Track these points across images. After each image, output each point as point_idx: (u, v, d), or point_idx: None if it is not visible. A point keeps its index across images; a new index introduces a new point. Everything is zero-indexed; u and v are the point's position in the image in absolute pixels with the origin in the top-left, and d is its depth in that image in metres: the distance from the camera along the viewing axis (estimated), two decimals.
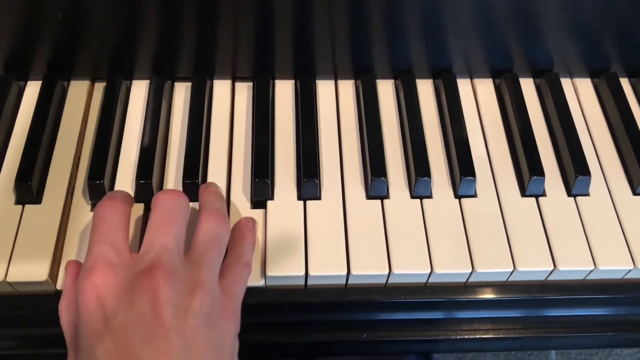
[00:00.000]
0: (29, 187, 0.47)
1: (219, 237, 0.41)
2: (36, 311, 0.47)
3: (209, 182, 0.48)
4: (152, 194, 0.48)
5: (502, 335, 0.52)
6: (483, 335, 0.52)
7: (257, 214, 0.48)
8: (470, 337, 0.52)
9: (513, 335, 0.52)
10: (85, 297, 0.36)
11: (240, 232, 0.45)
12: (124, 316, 0.35)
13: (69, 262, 0.42)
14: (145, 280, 0.35)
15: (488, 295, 0.48)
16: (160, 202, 0.40)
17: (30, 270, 0.44)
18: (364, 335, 0.50)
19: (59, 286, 0.45)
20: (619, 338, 0.54)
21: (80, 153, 0.51)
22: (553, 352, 1.35)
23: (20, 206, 0.47)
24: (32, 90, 0.54)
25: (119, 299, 0.35)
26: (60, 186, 0.49)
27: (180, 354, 0.34)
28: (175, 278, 0.36)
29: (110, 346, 0.34)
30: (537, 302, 0.50)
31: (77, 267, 0.41)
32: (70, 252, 0.45)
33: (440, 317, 0.51)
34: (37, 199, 0.48)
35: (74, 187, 0.49)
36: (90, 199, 0.48)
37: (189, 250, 0.40)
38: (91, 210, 0.48)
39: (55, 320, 0.47)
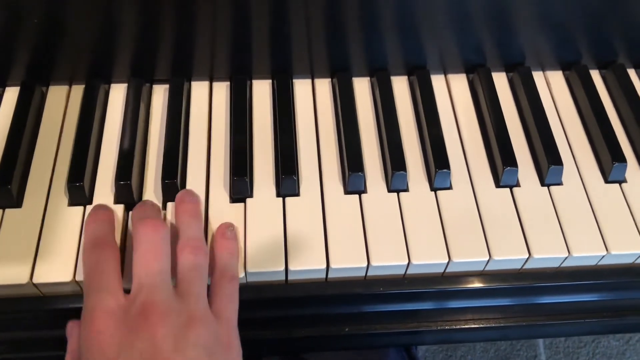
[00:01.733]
0: (8, 190, 0.47)
1: (198, 267, 0.42)
2: (18, 314, 0.47)
3: (184, 194, 0.47)
4: (132, 195, 0.48)
5: (483, 325, 0.53)
6: (464, 325, 0.53)
7: (237, 207, 0.49)
8: (452, 327, 0.53)
9: (494, 325, 0.53)
10: (88, 343, 0.38)
11: (219, 245, 0.45)
12: (126, 356, 0.36)
13: (69, 324, 0.44)
14: (143, 322, 0.37)
15: (466, 285, 0.49)
16: (141, 235, 0.41)
17: (11, 273, 0.44)
18: (346, 329, 0.51)
19: (42, 288, 0.45)
20: (601, 324, 0.55)
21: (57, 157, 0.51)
22: (541, 346, 1.36)
23: (0, 210, 0.47)
24: (10, 96, 0.54)
25: (119, 342, 0.37)
26: (40, 190, 0.49)
27: None
28: (169, 315, 0.38)
29: None
30: (515, 290, 0.51)
31: (78, 328, 0.42)
32: (50, 255, 0.46)
33: (421, 308, 0.51)
34: (17, 203, 0.48)
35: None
36: (70, 201, 0.48)
37: (176, 283, 0.41)
38: (68, 205, 0.48)
39: (38, 323, 0.48)
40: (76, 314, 0.47)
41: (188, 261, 0.41)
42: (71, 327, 0.43)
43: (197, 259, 0.42)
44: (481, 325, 0.53)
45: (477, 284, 0.49)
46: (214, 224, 0.47)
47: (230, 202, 0.49)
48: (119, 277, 0.41)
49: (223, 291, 0.42)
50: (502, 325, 0.53)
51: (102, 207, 0.46)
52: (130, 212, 0.45)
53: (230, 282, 0.43)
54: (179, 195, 0.47)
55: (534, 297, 0.52)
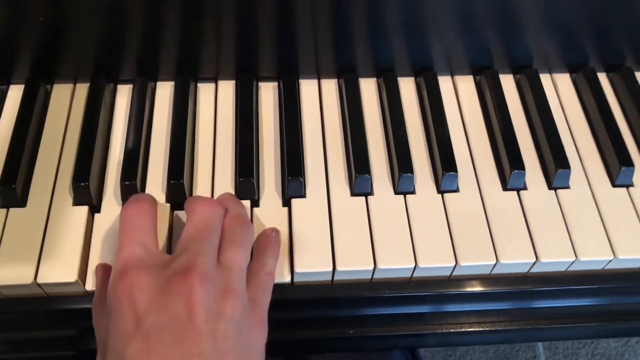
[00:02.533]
0: (13, 190, 0.47)
1: (244, 242, 0.41)
2: (22, 314, 0.46)
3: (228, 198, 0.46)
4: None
5: (487, 328, 0.53)
6: (469, 328, 0.52)
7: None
8: (457, 330, 0.52)
9: (499, 328, 0.53)
10: (118, 296, 0.36)
11: (265, 242, 0.45)
12: (157, 317, 0.34)
13: (98, 265, 0.43)
14: (180, 282, 0.35)
15: (472, 288, 0.49)
16: (199, 208, 0.40)
17: (15, 273, 0.44)
18: (351, 332, 0.51)
19: (46, 289, 0.45)
20: (603, 328, 0.54)
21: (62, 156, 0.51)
22: (540, 347, 1.36)
23: (4, 210, 0.47)
24: (14, 94, 0.54)
25: (151, 299, 0.35)
26: (45, 189, 0.49)
27: (210, 357, 0.34)
28: (209, 282, 0.36)
29: (141, 346, 0.34)
30: (521, 294, 0.51)
31: (107, 269, 0.41)
32: (54, 255, 0.45)
33: (426, 311, 0.51)
34: (21, 203, 0.48)
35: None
36: (75, 201, 0.48)
37: (219, 255, 0.40)
38: (73, 205, 0.48)
39: (42, 324, 0.48)
40: (81, 314, 0.47)
41: (234, 234, 0.40)
42: (97, 269, 0.43)
43: (243, 233, 0.41)
44: (486, 329, 0.52)
45: (484, 288, 0.49)
46: None
47: None
48: (156, 236, 0.40)
49: (260, 281, 0.41)
50: (506, 328, 0.53)
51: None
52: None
53: (268, 276, 0.42)
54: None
55: (538, 301, 0.52)
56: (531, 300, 0.52)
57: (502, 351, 1.35)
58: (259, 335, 0.39)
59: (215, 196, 0.49)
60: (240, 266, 0.39)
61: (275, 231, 0.46)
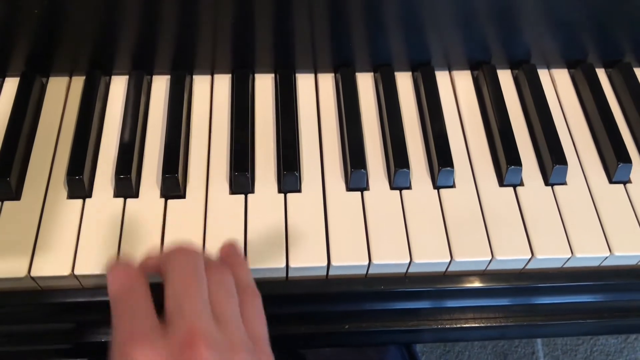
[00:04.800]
0: (7, 183, 0.47)
1: (232, 289, 0.40)
2: (16, 308, 0.46)
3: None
4: (132, 189, 0.48)
5: (483, 324, 0.52)
6: (464, 324, 0.52)
7: (237, 202, 0.48)
8: (452, 326, 0.52)
9: (494, 324, 0.53)
10: None
11: (234, 263, 0.42)
12: None
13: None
14: (187, 351, 0.35)
15: (468, 284, 0.49)
16: (176, 261, 0.39)
17: (9, 266, 0.44)
18: (346, 327, 0.51)
19: (40, 282, 0.45)
20: (600, 325, 0.54)
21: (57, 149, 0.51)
22: (539, 343, 1.36)
23: None
24: (10, 87, 0.53)
25: None
26: (39, 182, 0.48)
27: None
28: (214, 343, 0.35)
29: None
30: (517, 290, 0.50)
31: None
32: (49, 248, 0.45)
33: (421, 307, 0.51)
34: (16, 196, 0.47)
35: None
36: (69, 194, 0.48)
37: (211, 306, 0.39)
38: (68, 198, 0.48)
39: (36, 317, 0.48)
40: (74, 307, 0.47)
41: (216, 282, 0.39)
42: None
43: (229, 281, 0.40)
44: (481, 325, 0.52)
45: (479, 284, 0.49)
46: (213, 219, 0.47)
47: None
48: (151, 301, 0.38)
49: (250, 309, 0.40)
50: (502, 324, 0.53)
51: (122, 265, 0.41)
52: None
53: (255, 298, 0.41)
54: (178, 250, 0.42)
55: (534, 298, 0.52)
56: (527, 297, 0.52)
57: (501, 347, 1.35)
58: None
59: (211, 191, 0.49)
60: (235, 315, 0.39)
61: (233, 243, 0.44)
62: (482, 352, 1.34)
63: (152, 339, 0.35)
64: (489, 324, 0.52)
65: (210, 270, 0.39)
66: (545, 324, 0.53)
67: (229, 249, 0.44)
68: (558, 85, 0.58)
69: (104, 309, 0.47)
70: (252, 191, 0.49)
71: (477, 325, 0.52)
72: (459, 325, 0.52)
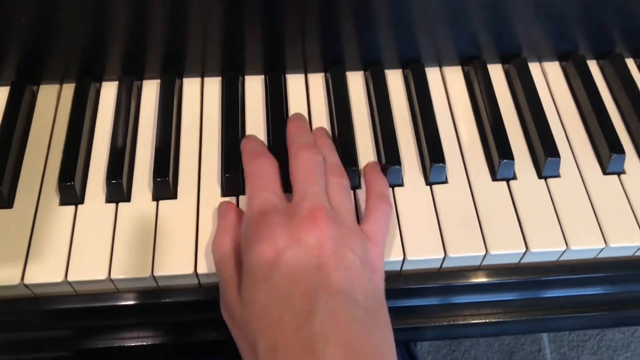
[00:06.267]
0: None
1: (346, 188, 0.46)
2: (11, 315, 0.46)
3: (319, 131, 0.52)
4: (123, 194, 0.48)
5: (481, 320, 0.52)
6: (462, 321, 0.52)
7: (230, 200, 0.48)
8: (450, 323, 0.52)
9: (493, 320, 0.52)
10: (260, 231, 0.40)
11: (372, 172, 0.49)
12: (295, 249, 0.39)
13: (222, 205, 0.47)
14: (310, 223, 0.40)
15: (463, 280, 0.48)
16: (302, 155, 0.45)
17: (2, 274, 0.44)
18: None
19: (34, 289, 0.45)
20: (602, 318, 0.54)
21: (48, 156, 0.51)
22: (546, 340, 1.35)
23: None
24: (0, 96, 0.53)
25: (288, 236, 0.40)
26: (31, 190, 0.49)
27: (345, 281, 0.38)
28: (332, 220, 0.41)
29: (285, 271, 0.38)
30: (512, 285, 0.50)
31: (230, 217, 0.45)
32: (42, 255, 0.45)
33: (417, 304, 0.51)
34: (8, 204, 0.48)
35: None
36: (61, 201, 0.48)
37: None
38: (60, 205, 0.48)
39: (31, 324, 0.48)
40: (69, 314, 0.47)
41: (335, 183, 0.45)
42: (226, 207, 0.47)
43: (343, 181, 0.46)
44: (479, 321, 0.52)
45: (474, 279, 0.48)
46: (205, 221, 0.47)
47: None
48: (280, 184, 0.45)
49: (379, 212, 0.45)
50: (500, 320, 0.52)
51: (254, 135, 0.51)
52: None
53: (387, 206, 0.46)
54: (315, 130, 0.52)
55: (532, 292, 0.52)
56: (524, 291, 0.52)
57: (507, 345, 1.34)
58: (377, 271, 0.42)
59: (203, 194, 0.49)
60: (349, 209, 0.44)
61: (376, 163, 0.50)
62: (489, 350, 1.33)
63: (282, 211, 0.42)
64: (487, 320, 0.52)
65: (332, 173, 0.46)
66: (545, 318, 0.53)
67: (375, 165, 0.51)
68: (550, 78, 0.58)
69: (100, 314, 0.48)
70: (244, 192, 0.49)
71: (475, 321, 0.52)
72: (457, 322, 0.52)
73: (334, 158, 0.48)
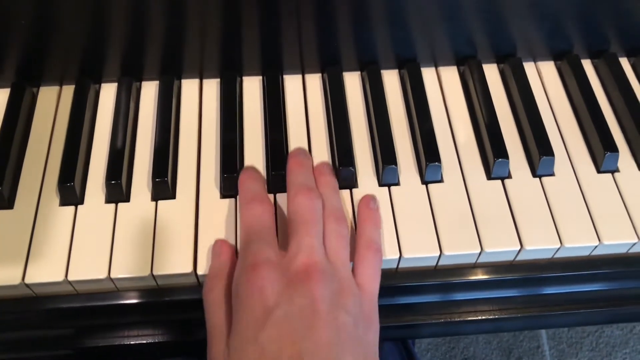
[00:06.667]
0: (0, 193, 0.47)
1: (343, 237, 0.44)
2: (12, 315, 0.47)
3: (322, 166, 0.50)
4: (122, 194, 0.48)
5: (478, 317, 0.53)
6: (458, 318, 0.53)
7: (228, 204, 0.49)
8: (447, 320, 0.53)
9: (489, 317, 0.53)
10: (250, 288, 0.39)
11: (364, 215, 0.47)
12: (286, 307, 0.38)
13: (219, 242, 0.45)
14: (303, 280, 0.39)
15: (459, 277, 0.49)
16: (300, 200, 0.44)
17: (3, 274, 0.44)
18: None
19: (35, 289, 0.45)
20: (598, 315, 0.55)
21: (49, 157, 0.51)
22: (544, 337, 1.36)
23: None
24: (0, 98, 0.54)
25: (279, 293, 0.38)
26: (32, 191, 0.49)
27: (337, 345, 0.37)
28: (326, 277, 0.39)
29: (274, 334, 0.37)
30: (508, 282, 0.51)
31: (223, 259, 0.44)
32: (42, 255, 0.46)
33: (414, 301, 0.51)
34: (9, 204, 0.48)
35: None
36: (61, 201, 0.48)
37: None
38: (60, 205, 0.48)
39: (32, 324, 0.49)
40: (70, 313, 0.47)
41: (334, 230, 0.43)
42: (220, 246, 0.45)
43: (342, 229, 0.44)
44: (476, 318, 0.53)
45: (470, 277, 0.49)
46: (204, 221, 0.48)
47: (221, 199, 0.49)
48: (275, 234, 0.44)
49: (368, 263, 0.44)
50: (496, 317, 0.53)
51: (253, 167, 0.50)
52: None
53: (376, 255, 0.44)
54: (317, 166, 0.50)
55: (527, 289, 0.52)
56: (520, 288, 0.52)
57: (506, 342, 1.35)
58: (372, 325, 0.41)
59: (201, 195, 0.49)
60: (346, 260, 0.43)
61: (373, 197, 0.48)
62: (487, 347, 1.34)
63: (276, 265, 0.40)
64: (483, 317, 0.53)
65: (330, 220, 0.44)
66: (540, 314, 0.53)
67: (367, 201, 0.48)
68: (544, 78, 0.58)
69: (100, 313, 0.48)
70: None
71: (471, 318, 0.53)
72: (453, 320, 0.52)
73: (334, 200, 0.46)
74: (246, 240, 0.42)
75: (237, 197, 0.49)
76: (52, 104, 0.54)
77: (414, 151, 0.53)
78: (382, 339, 0.59)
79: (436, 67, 0.58)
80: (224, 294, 0.42)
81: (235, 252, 0.46)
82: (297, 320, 0.37)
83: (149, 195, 0.49)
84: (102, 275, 0.45)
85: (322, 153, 0.52)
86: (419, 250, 0.47)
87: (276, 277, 0.39)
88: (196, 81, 0.56)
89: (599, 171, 0.52)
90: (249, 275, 0.39)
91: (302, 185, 0.45)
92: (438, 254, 0.47)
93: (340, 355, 0.36)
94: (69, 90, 0.55)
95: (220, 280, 0.43)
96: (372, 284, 0.43)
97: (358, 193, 0.50)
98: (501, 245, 0.47)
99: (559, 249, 0.48)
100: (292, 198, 0.44)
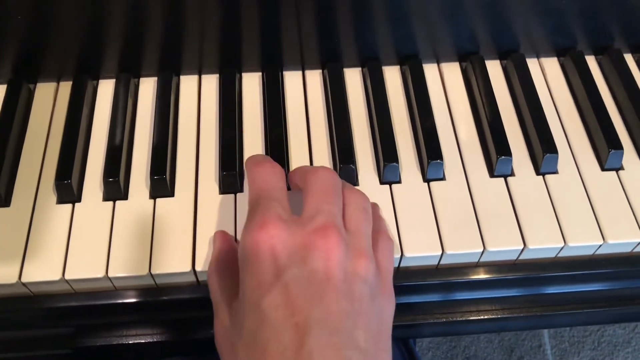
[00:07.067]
0: None
1: (368, 210, 0.41)
2: (8, 314, 0.46)
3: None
4: (120, 192, 0.48)
5: (480, 317, 0.52)
6: (460, 317, 0.52)
7: (227, 201, 0.48)
8: (448, 320, 0.52)
9: (492, 317, 0.52)
10: (257, 247, 0.35)
11: (376, 209, 0.45)
12: (296, 271, 0.34)
13: (217, 232, 0.44)
14: (320, 239, 0.35)
15: (461, 277, 0.48)
16: (320, 176, 0.40)
17: (0, 273, 0.44)
18: None
19: (32, 288, 0.45)
20: (601, 314, 0.54)
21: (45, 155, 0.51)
22: (546, 336, 1.35)
23: None
24: None
25: (290, 253, 0.35)
26: (29, 188, 0.48)
27: (348, 317, 0.34)
28: (345, 243, 0.36)
29: (278, 299, 0.34)
30: (511, 281, 0.50)
31: (226, 236, 0.43)
32: (39, 253, 0.45)
33: (415, 301, 0.51)
34: (5, 202, 0.48)
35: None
36: (58, 199, 0.48)
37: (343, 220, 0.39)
38: (57, 203, 0.48)
39: (29, 323, 0.48)
40: (67, 312, 0.47)
41: (355, 204, 0.40)
42: (222, 233, 0.43)
43: (364, 202, 0.41)
44: (478, 317, 0.52)
45: (473, 276, 0.48)
46: (203, 218, 0.47)
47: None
48: (287, 196, 0.39)
49: (383, 244, 0.41)
50: (499, 316, 0.52)
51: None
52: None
53: (389, 240, 0.42)
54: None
55: (530, 288, 0.51)
56: (523, 288, 0.52)
57: (507, 341, 1.34)
58: (389, 304, 0.39)
59: (200, 192, 0.49)
60: (366, 232, 0.39)
61: (377, 205, 0.47)
62: (489, 346, 1.33)
63: (288, 224, 0.36)
64: (486, 317, 0.52)
65: (353, 193, 0.41)
66: (543, 314, 0.53)
67: (375, 204, 0.46)
68: (548, 74, 0.57)
69: (98, 312, 0.48)
70: (242, 190, 0.49)
71: (473, 318, 0.52)
72: (454, 319, 0.52)
73: (350, 184, 0.44)
74: (254, 200, 0.38)
75: (237, 193, 0.48)
76: (49, 100, 0.54)
77: (415, 148, 0.52)
78: None
79: (438, 63, 0.58)
80: (226, 268, 0.40)
81: (236, 239, 0.45)
82: (307, 286, 0.34)
83: (147, 193, 0.48)
84: (100, 274, 0.44)
85: (322, 150, 0.51)
86: (421, 249, 0.46)
87: (287, 237, 0.35)
88: (195, 77, 0.56)
89: (603, 169, 0.51)
90: (257, 234, 0.35)
91: (323, 167, 0.42)
92: (440, 253, 0.46)
93: (351, 330, 0.33)
94: (66, 87, 0.54)
95: (219, 255, 0.41)
96: (386, 263, 0.40)
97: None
98: (504, 244, 0.47)
99: (562, 248, 0.47)
100: (312, 172, 0.40)
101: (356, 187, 0.44)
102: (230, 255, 0.41)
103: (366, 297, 0.35)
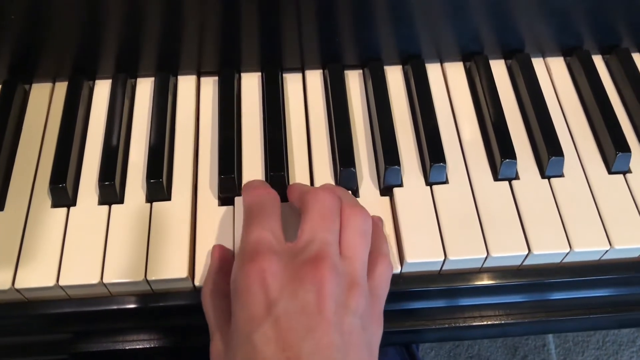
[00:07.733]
0: None
1: (366, 234, 0.40)
2: (4, 320, 0.46)
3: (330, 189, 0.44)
4: (116, 195, 0.47)
5: (483, 323, 0.51)
6: (463, 323, 0.51)
7: (225, 201, 0.47)
8: (451, 325, 0.51)
9: (495, 322, 0.51)
10: (248, 280, 0.35)
11: (379, 229, 0.44)
12: (287, 304, 0.34)
13: (214, 247, 0.43)
14: (312, 271, 0.35)
15: (464, 283, 0.47)
16: (320, 198, 0.39)
17: None
18: None
19: (26, 294, 0.44)
20: (608, 320, 0.53)
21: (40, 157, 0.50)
22: (550, 335, 1.34)
23: None
24: None
25: (282, 286, 0.35)
26: (23, 192, 0.48)
27: (339, 350, 0.34)
28: (338, 274, 0.36)
29: (269, 333, 0.34)
30: (514, 287, 0.49)
31: (222, 253, 0.42)
32: (33, 259, 0.44)
33: (418, 307, 0.50)
34: None
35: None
36: (53, 203, 0.47)
37: (339, 245, 0.39)
38: (52, 207, 0.47)
39: (23, 329, 0.47)
40: (62, 318, 0.46)
41: (355, 226, 0.39)
42: (219, 250, 0.43)
43: (365, 224, 0.40)
44: (481, 323, 0.51)
45: (476, 282, 0.47)
46: (201, 223, 0.46)
47: (219, 200, 0.48)
48: (281, 222, 0.39)
49: (381, 269, 0.40)
50: (502, 322, 0.51)
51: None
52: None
53: (388, 267, 0.41)
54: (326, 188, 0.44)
55: (534, 294, 0.50)
56: (526, 294, 0.51)
57: (511, 340, 1.33)
58: (377, 331, 0.39)
59: (198, 196, 0.48)
60: (362, 258, 0.39)
61: (381, 220, 0.46)
62: (492, 345, 1.33)
63: (279, 255, 0.36)
64: (489, 322, 0.51)
65: (353, 213, 0.40)
66: (548, 320, 0.52)
67: (378, 220, 0.45)
68: (553, 74, 0.56)
69: (93, 319, 0.47)
70: (239, 194, 0.48)
71: (476, 323, 0.51)
72: (458, 325, 0.51)
73: (352, 199, 0.43)
74: (247, 224, 0.39)
75: (236, 198, 0.47)
76: (45, 101, 0.53)
77: (417, 151, 0.51)
78: (386, 344, 0.58)
79: (441, 63, 0.56)
80: (220, 291, 0.40)
81: (233, 255, 0.44)
82: (298, 319, 0.34)
83: (143, 196, 0.48)
84: (95, 280, 0.43)
85: (322, 152, 0.50)
86: (423, 255, 0.45)
87: (279, 269, 0.35)
88: (193, 77, 0.55)
89: (610, 172, 0.50)
90: (248, 266, 0.36)
91: (324, 187, 0.42)
92: (442, 258, 0.45)
93: None
94: (62, 87, 0.53)
95: (217, 275, 0.41)
96: (381, 290, 0.40)
97: (360, 195, 0.48)
98: (508, 250, 0.46)
99: (568, 253, 0.46)
100: (313, 193, 0.40)
101: (357, 200, 0.43)
102: (226, 275, 0.40)
103: (357, 328, 0.35)
